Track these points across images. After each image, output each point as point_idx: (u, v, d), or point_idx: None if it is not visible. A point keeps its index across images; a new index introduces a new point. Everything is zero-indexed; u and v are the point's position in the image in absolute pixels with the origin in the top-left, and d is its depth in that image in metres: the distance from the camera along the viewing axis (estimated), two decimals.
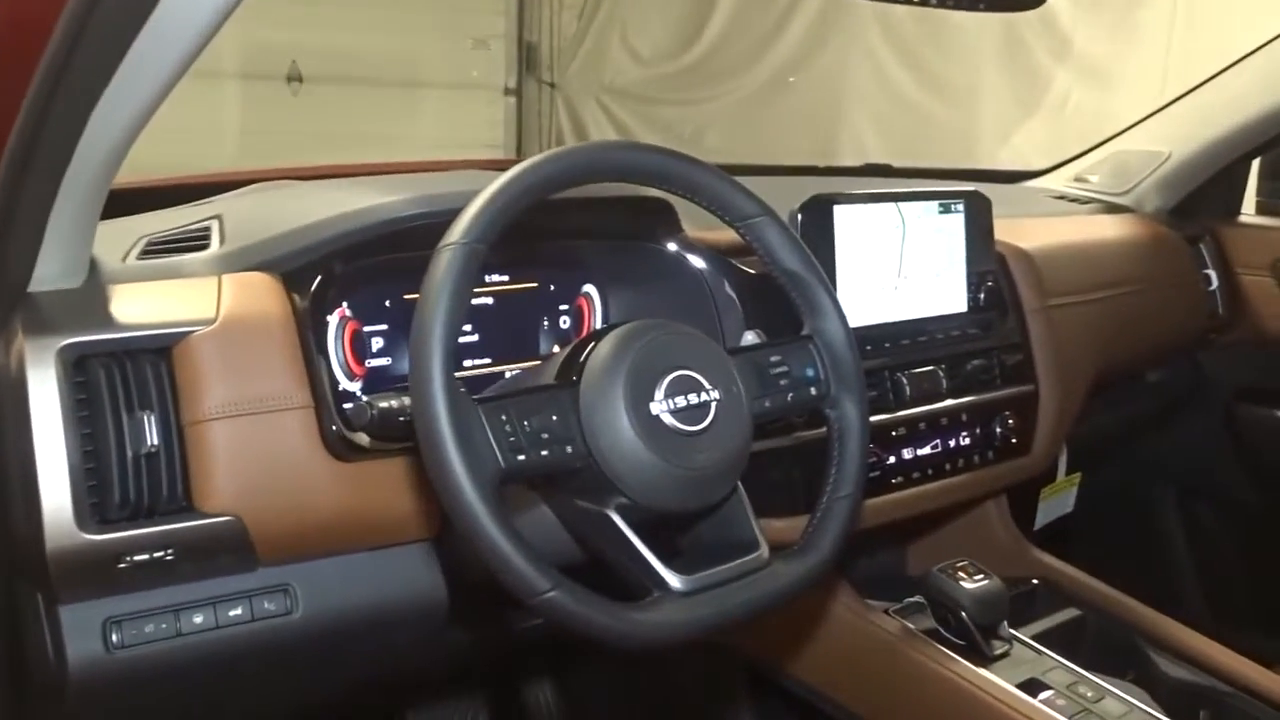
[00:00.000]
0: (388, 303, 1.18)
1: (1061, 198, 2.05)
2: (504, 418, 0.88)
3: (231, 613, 0.98)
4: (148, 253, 1.08)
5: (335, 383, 1.11)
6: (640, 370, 0.93)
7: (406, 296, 1.19)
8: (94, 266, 1.02)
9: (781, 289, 1.07)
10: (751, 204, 1.05)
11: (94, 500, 0.90)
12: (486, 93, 5.26)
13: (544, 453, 0.88)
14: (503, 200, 0.90)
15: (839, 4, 4.61)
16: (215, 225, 1.12)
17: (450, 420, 0.84)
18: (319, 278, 1.03)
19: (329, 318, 1.12)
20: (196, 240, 1.10)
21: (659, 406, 0.92)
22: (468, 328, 1.23)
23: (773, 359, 1.04)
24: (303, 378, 0.98)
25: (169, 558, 0.94)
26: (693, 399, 0.94)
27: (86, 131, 0.82)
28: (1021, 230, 1.62)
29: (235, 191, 1.31)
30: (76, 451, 0.90)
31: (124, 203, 1.15)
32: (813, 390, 1.05)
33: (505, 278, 1.26)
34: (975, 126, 4.28)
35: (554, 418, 0.90)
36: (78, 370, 0.92)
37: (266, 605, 1.00)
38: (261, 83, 4.53)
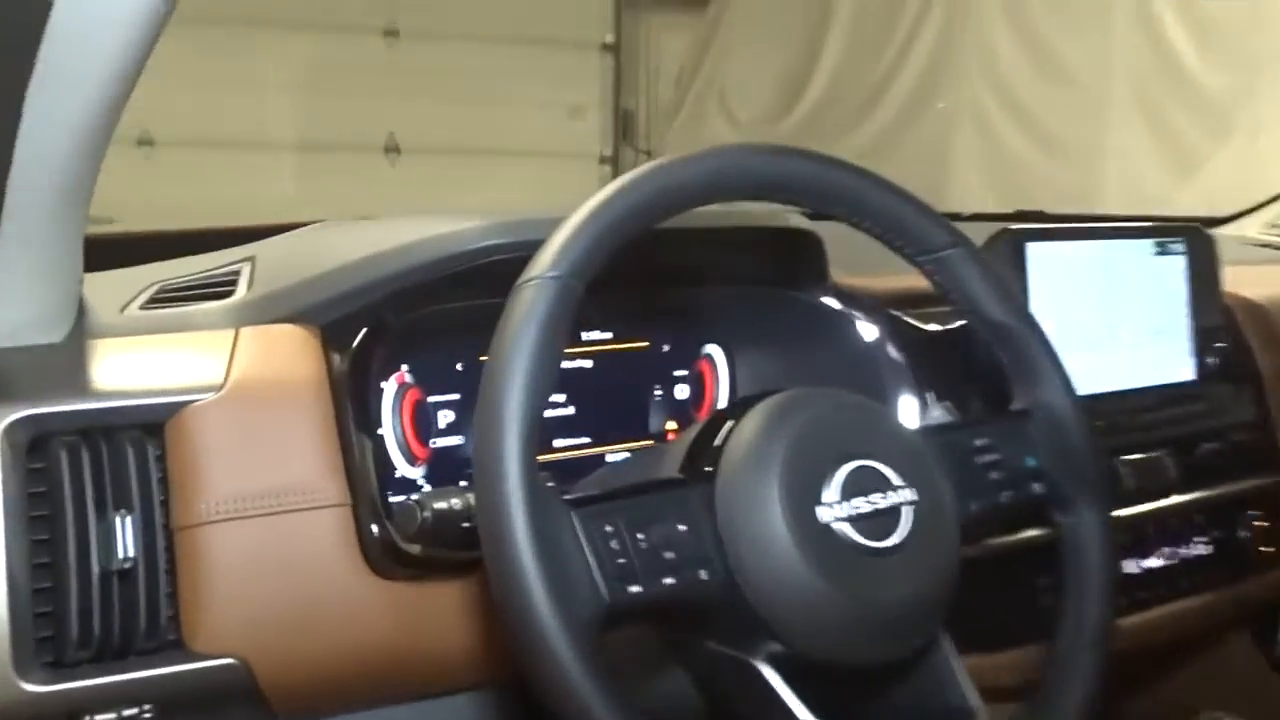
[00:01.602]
0: (460, 365, 0.92)
1: (1265, 245, 1.72)
2: (609, 529, 0.60)
3: None
4: (156, 301, 0.85)
5: (390, 469, 0.85)
6: (803, 459, 0.65)
7: (485, 358, 0.93)
8: (82, 318, 0.79)
9: (979, 348, 0.78)
10: (942, 232, 0.77)
11: (43, 635, 0.65)
12: (582, 161, 5.15)
13: (667, 580, 0.61)
14: (602, 223, 0.65)
15: (945, 63, 4.35)
16: (246, 269, 0.88)
17: (531, 533, 0.57)
18: (364, 330, 0.78)
19: (383, 384, 0.87)
20: (219, 286, 0.86)
21: (831, 512, 0.64)
22: (560, 397, 0.97)
23: (977, 443, 0.75)
24: (337, 464, 0.73)
25: (146, 716, 0.68)
26: (878, 501, 0.66)
27: (19, 149, 0.60)
28: (1238, 279, 1.30)
29: (283, 235, 1.08)
30: (22, 566, 0.65)
31: (160, 249, 0.92)
32: (1035, 487, 0.75)
33: (607, 335, 1.00)
34: (1094, 183, 3.94)
35: (680, 528, 0.63)
36: (34, 454, 0.67)
37: None
38: (359, 154, 4.50)
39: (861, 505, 0.65)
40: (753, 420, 0.68)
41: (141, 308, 0.83)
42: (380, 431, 0.86)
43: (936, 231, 0.76)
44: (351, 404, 0.74)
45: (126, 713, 0.66)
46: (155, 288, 0.87)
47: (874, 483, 0.66)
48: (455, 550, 0.69)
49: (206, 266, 0.92)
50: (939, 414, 0.79)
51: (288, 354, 0.76)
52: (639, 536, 0.61)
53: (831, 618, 0.64)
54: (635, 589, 0.60)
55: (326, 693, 0.72)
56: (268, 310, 0.80)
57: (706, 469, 0.67)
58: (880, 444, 0.68)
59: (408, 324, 0.84)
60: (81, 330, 0.78)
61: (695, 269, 0.95)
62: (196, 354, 0.74)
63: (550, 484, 0.62)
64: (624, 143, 5.18)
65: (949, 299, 0.78)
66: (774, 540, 0.63)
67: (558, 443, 0.97)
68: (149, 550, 0.68)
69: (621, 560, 0.60)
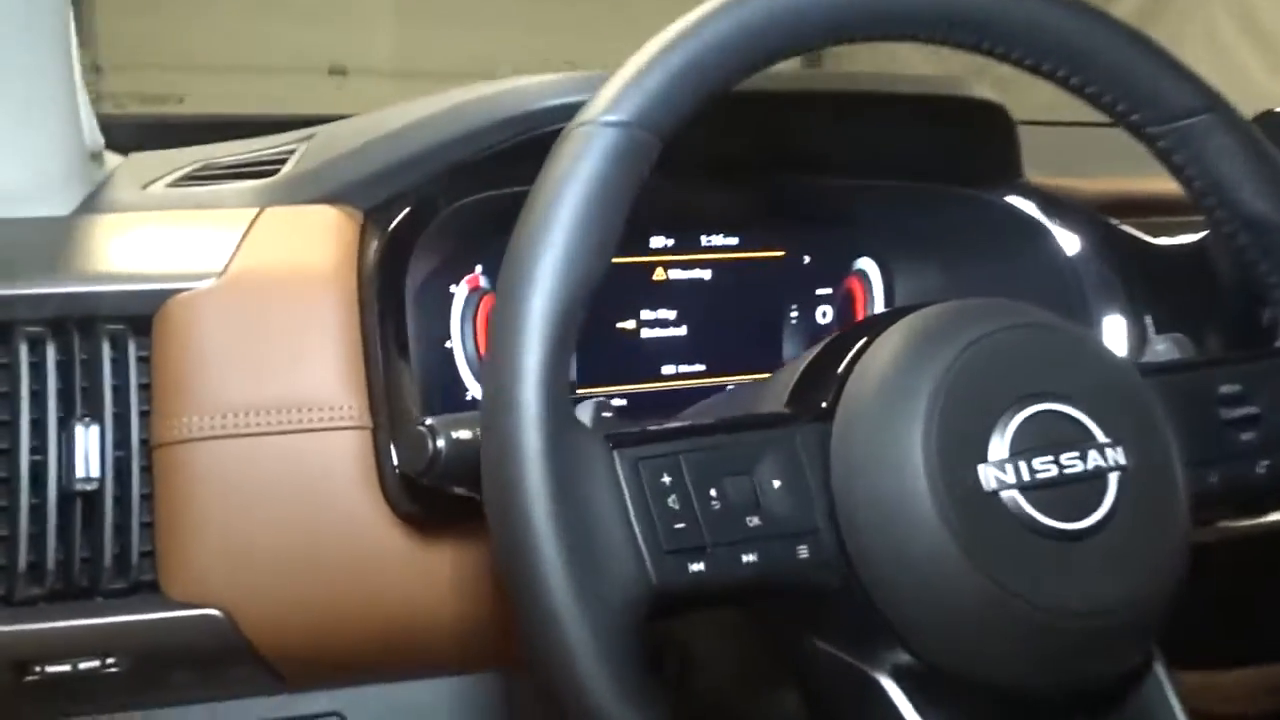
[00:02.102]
0: None
1: None
2: (667, 480, 0.43)
3: None
4: (192, 178, 0.72)
5: (460, 390, 0.70)
6: (963, 396, 0.46)
7: None
8: (99, 193, 0.67)
9: (1228, 264, 0.56)
10: (1191, 90, 0.54)
11: None
12: None
13: (748, 557, 0.43)
14: (685, 56, 0.46)
15: None
16: (302, 147, 0.74)
17: (548, 478, 0.40)
18: (406, 211, 0.62)
19: (453, 287, 0.71)
20: (267, 165, 0.72)
21: (999, 475, 0.45)
22: (669, 314, 0.79)
23: (1223, 390, 0.53)
24: (358, 375, 0.57)
25: (112, 670, 0.55)
26: (1072, 463, 0.45)
27: None
28: None
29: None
30: None
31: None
32: None
33: (732, 240, 0.81)
34: None
35: (774, 484, 0.45)
36: None
37: None
38: None
39: (1046, 467, 0.45)
40: (895, 339, 0.48)
41: (171, 184, 0.70)
42: (448, 344, 0.71)
43: (1182, 90, 0.54)
44: (381, 301, 0.59)
45: (85, 664, 0.54)
46: (198, 164, 0.74)
47: (1067, 436, 0.46)
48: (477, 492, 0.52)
49: (269, 144, 0.78)
50: (1167, 348, 0.57)
51: (313, 238, 0.61)
52: (711, 494, 0.43)
53: (992, 625, 0.44)
54: (698, 567, 0.42)
55: (328, 658, 0.57)
56: (304, 189, 0.65)
57: (822, 404, 0.48)
58: (1079, 382, 0.47)
59: (481, 213, 0.68)
60: (92, 205, 0.65)
61: (845, 156, 0.74)
62: (205, 235, 0.61)
63: (603, 414, 0.45)
64: None
65: (1190, 187, 0.55)
66: (911, 509, 0.44)
67: (666, 369, 0.79)
68: (121, 471, 0.55)
69: (681, 525, 0.42)
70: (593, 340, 0.76)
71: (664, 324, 0.79)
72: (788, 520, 0.44)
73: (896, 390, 0.46)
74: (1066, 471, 0.45)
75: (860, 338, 0.50)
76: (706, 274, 0.80)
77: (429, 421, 0.50)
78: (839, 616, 0.47)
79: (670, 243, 0.79)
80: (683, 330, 0.79)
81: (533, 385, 0.41)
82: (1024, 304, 0.51)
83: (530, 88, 0.62)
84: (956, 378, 0.46)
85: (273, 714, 0.63)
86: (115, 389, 0.55)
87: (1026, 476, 0.45)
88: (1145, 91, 0.54)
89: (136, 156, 0.79)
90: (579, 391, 0.75)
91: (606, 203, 0.44)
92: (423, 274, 0.69)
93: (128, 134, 0.81)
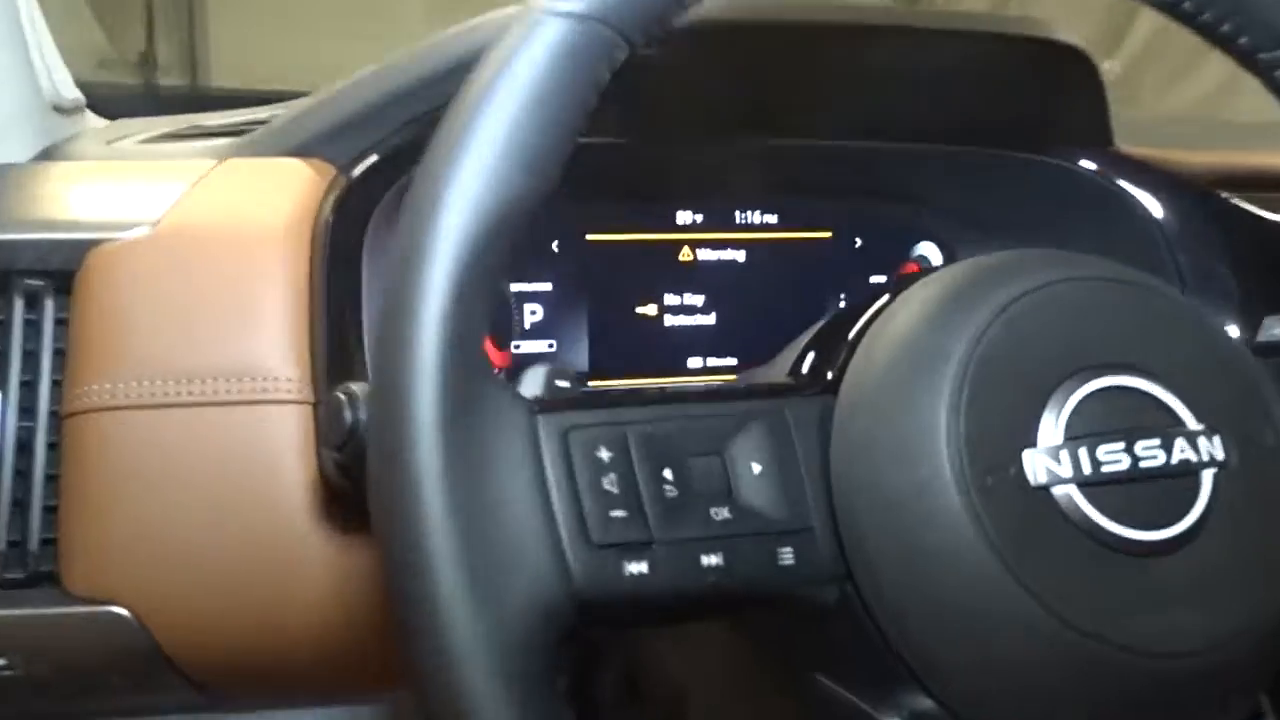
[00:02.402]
0: (556, 244, 0.67)
1: None
2: (605, 456, 0.33)
3: None
4: (170, 137, 0.65)
5: None
6: (1004, 363, 0.35)
7: (591, 237, 0.68)
8: (59, 147, 0.61)
9: None
10: None
11: None
12: None
13: (710, 560, 0.34)
14: None
15: None
16: (289, 110, 0.67)
17: (442, 443, 0.31)
18: (371, 161, 0.55)
19: None
20: (252, 126, 0.65)
21: (1053, 464, 0.34)
22: (696, 300, 0.70)
23: None
24: (302, 341, 0.49)
25: (8, 672, 0.48)
26: (1150, 453, 0.34)
27: None
28: None
29: None
30: None
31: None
32: None
33: (772, 218, 0.71)
34: None
35: (754, 469, 0.35)
36: None
37: None
38: None
39: (1115, 458, 0.34)
40: (921, 295, 0.38)
41: (141, 141, 0.64)
42: None
43: None
44: (331, 262, 0.51)
45: None
46: (185, 125, 0.68)
47: (1145, 419, 0.35)
48: None
49: (271, 111, 0.71)
50: None
51: (269, 191, 0.53)
52: (665, 476, 0.34)
53: (1041, 666, 0.34)
54: (638, 568, 0.32)
55: (253, 671, 0.49)
56: (272, 143, 0.58)
57: (827, 374, 0.38)
58: (1166, 352, 0.36)
59: None
60: (43, 156, 0.59)
61: (904, 114, 0.64)
62: (150, 186, 0.54)
63: (556, 383, 0.36)
64: None
65: None
66: (933, 507, 0.34)
67: (691, 362, 0.70)
68: (24, 442, 0.48)
69: (620, 514, 0.33)
70: (608, 327, 0.67)
71: (690, 311, 0.69)
72: (768, 516, 0.34)
73: (919, 355, 0.36)
74: (1143, 465, 0.34)
75: (879, 299, 0.40)
76: (740, 255, 0.71)
77: (351, 387, 0.41)
78: (836, 643, 0.36)
79: (699, 218, 0.69)
80: (711, 319, 0.70)
81: (430, 325, 0.32)
82: (1093, 256, 0.40)
83: (487, 23, 0.53)
84: (996, 339, 0.35)
85: None
86: (27, 354, 0.49)
87: (1088, 469, 0.34)
88: (1260, 11, 0.43)
89: (126, 120, 0.73)
90: (590, 385, 0.66)
91: (548, 107, 0.35)
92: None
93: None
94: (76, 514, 0.47)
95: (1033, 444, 0.34)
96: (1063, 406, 0.34)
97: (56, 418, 0.48)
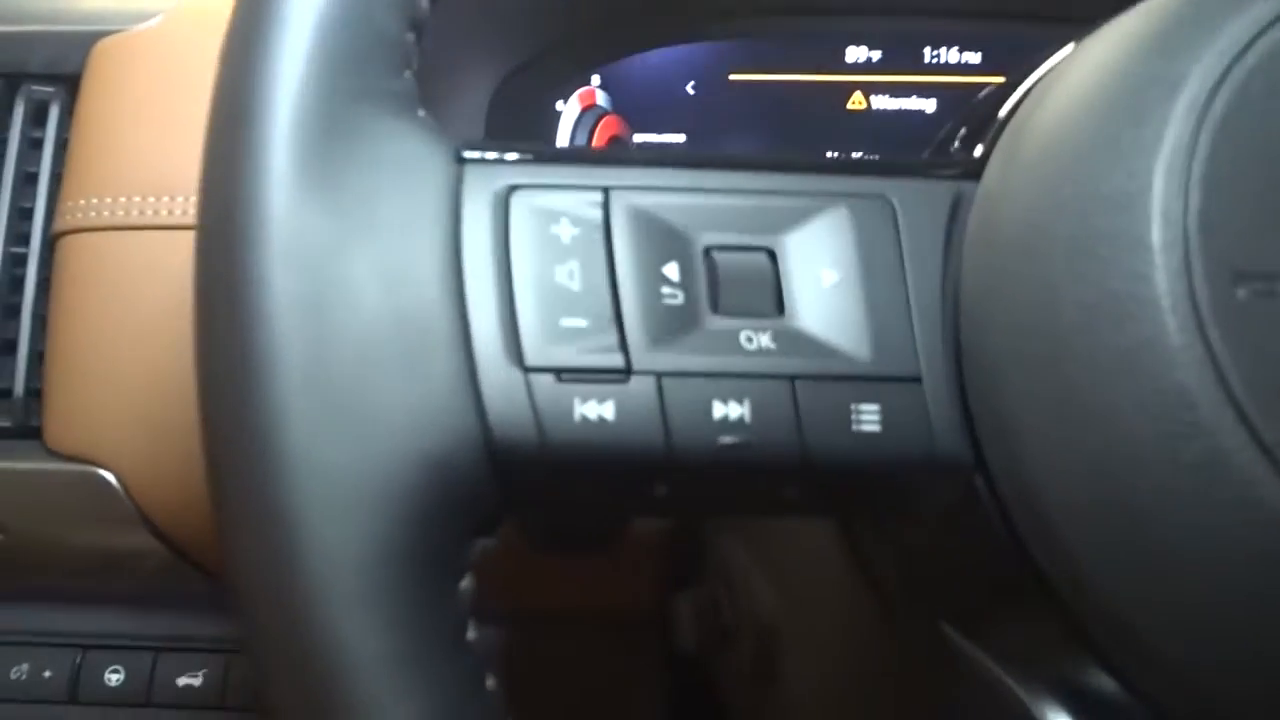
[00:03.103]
0: (691, 86, 0.55)
1: None
2: (568, 232, 0.21)
3: None
4: None
5: None
6: (1251, 125, 0.19)
7: (735, 77, 0.55)
8: None
9: None
10: None
11: None
12: None
13: (732, 410, 0.20)
14: None
15: None
16: None
17: (289, 194, 0.19)
18: None
19: (560, 103, 0.52)
20: None
21: None
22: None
23: None
24: None
25: None
26: None
27: None
28: None
29: None
30: None
31: None
32: None
33: (973, 57, 0.55)
34: None
35: (827, 275, 0.21)
36: None
37: None
38: None
39: None
40: (1117, 33, 0.23)
41: None
42: None
43: None
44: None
45: None
46: None
47: None
48: None
49: None
50: None
51: None
52: (666, 273, 0.21)
53: None
54: (595, 411, 0.19)
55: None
56: None
57: (973, 152, 0.24)
58: None
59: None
60: None
61: None
62: None
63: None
64: None
65: None
66: (1136, 354, 0.19)
67: None
68: (15, 279, 0.41)
69: (577, 323, 0.20)
70: None
71: None
72: (843, 352, 0.21)
73: (1117, 113, 0.21)
74: None
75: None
76: (928, 105, 0.55)
77: None
78: (956, 573, 0.22)
79: (876, 56, 0.55)
80: None
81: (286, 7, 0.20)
82: None
83: None
84: (1240, 91, 0.20)
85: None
86: (26, 176, 0.41)
87: None
88: None
89: None
90: None
91: None
92: (515, 82, 0.50)
93: None
94: (60, 360, 0.39)
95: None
96: None
97: (48, 238, 0.41)
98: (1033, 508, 0.20)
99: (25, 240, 0.41)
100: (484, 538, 0.20)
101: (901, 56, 0.55)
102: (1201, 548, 0.18)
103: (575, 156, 0.22)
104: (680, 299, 0.20)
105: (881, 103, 0.55)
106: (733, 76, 0.54)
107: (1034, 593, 0.20)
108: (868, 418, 0.20)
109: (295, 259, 0.19)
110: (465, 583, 0.19)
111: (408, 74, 0.22)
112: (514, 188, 0.21)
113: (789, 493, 0.21)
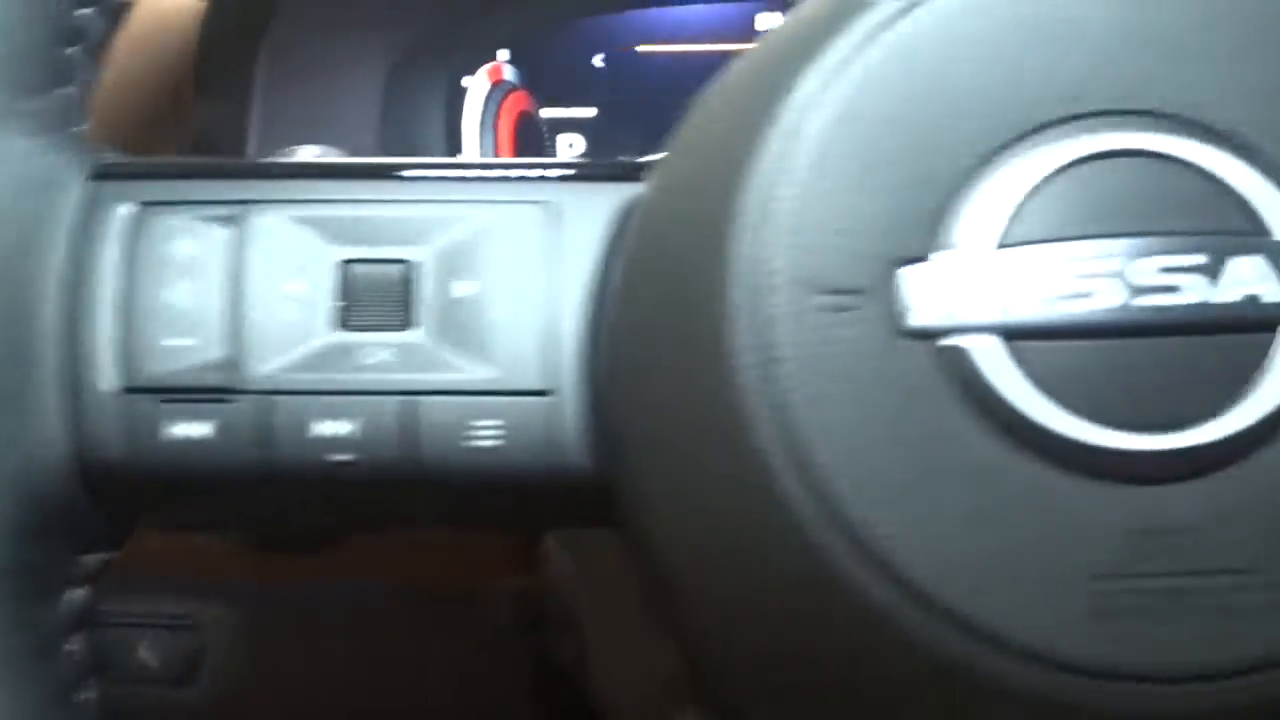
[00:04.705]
0: (600, 59, 0.54)
1: None
2: (189, 250, 0.22)
3: None
4: None
5: None
6: (893, 104, 0.18)
7: (644, 49, 0.54)
8: None
9: None
10: None
11: None
12: None
13: (340, 428, 0.20)
14: None
15: None
16: None
17: None
18: None
19: (466, 80, 0.53)
20: None
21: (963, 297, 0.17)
22: None
23: None
24: None
25: None
26: (1182, 283, 0.17)
27: None
28: None
29: None
30: None
31: None
32: None
33: None
34: None
35: (461, 287, 0.21)
36: None
37: None
38: None
39: (1098, 289, 0.17)
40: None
41: None
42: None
43: None
44: None
45: None
46: None
47: (1174, 209, 0.17)
48: None
49: None
50: None
51: None
52: (289, 290, 0.21)
53: (899, 686, 0.18)
54: (187, 430, 0.20)
55: None
56: None
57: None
58: (1238, 87, 0.18)
59: None
60: None
61: None
62: None
63: None
64: None
65: None
66: (701, 368, 0.18)
67: None
68: None
69: (181, 342, 0.20)
70: None
71: None
72: (461, 363, 0.21)
73: (744, 108, 0.20)
74: (1160, 306, 0.17)
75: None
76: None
77: None
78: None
79: None
80: None
81: None
82: None
83: None
84: (873, 72, 0.19)
85: None
86: None
87: (1036, 309, 0.17)
88: None
89: None
90: None
91: None
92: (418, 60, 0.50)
93: None
94: None
95: (929, 249, 0.18)
96: (1006, 184, 0.18)
97: None
98: (641, 523, 0.20)
99: None
100: (97, 553, 0.20)
101: None
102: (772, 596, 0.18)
103: (216, 171, 0.22)
104: (298, 315, 0.20)
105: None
106: (641, 48, 0.53)
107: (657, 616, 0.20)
108: (486, 432, 0.20)
109: None
110: (72, 594, 0.20)
111: (61, 90, 0.22)
112: (147, 204, 0.21)
113: (414, 508, 0.21)
